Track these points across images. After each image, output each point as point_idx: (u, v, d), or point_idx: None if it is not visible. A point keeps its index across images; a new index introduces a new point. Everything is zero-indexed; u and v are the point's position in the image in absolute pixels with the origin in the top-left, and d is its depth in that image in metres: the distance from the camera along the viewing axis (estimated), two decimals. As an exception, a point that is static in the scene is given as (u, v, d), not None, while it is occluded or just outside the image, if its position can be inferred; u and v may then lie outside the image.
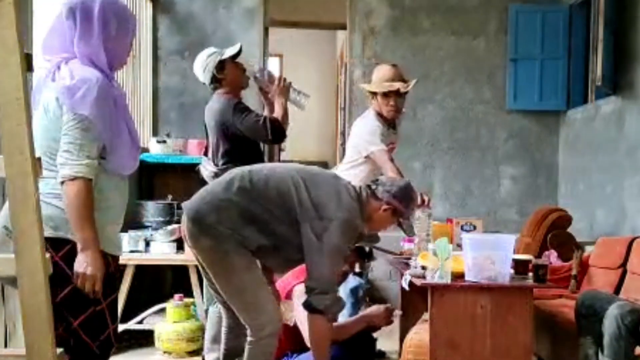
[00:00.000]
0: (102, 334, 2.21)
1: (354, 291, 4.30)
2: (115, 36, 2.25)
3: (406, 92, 4.07)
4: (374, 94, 4.06)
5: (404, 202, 2.88)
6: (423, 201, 3.65)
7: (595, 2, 5.33)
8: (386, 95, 3.99)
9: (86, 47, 2.19)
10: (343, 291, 4.38)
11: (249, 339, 2.72)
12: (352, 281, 4.35)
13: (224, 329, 2.99)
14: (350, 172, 3.98)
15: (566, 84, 6.06)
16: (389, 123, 4.14)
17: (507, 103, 6.18)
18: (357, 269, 4.33)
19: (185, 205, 2.80)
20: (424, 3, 6.16)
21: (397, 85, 3.98)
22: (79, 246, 2.13)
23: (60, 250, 2.13)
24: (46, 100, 2.17)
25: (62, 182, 2.11)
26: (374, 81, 4.13)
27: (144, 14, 5.80)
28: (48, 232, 2.06)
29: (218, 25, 6.00)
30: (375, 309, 3.54)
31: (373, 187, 2.90)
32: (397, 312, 3.68)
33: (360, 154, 4.05)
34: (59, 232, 2.14)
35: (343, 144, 6.91)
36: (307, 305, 2.76)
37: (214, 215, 2.68)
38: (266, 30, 6.17)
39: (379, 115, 4.09)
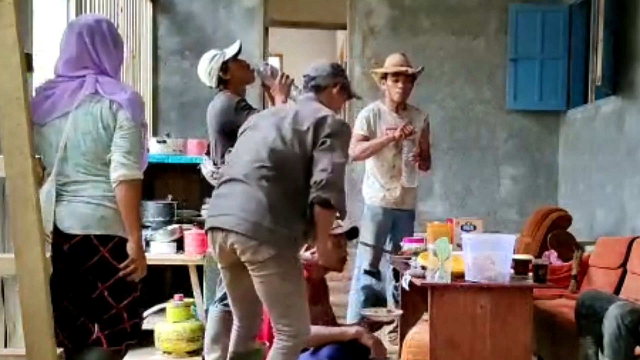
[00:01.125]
0: (136, 317, 2.50)
1: (364, 289, 4.31)
2: (120, 50, 2.53)
3: (414, 77, 4.43)
4: (385, 78, 4.42)
5: (342, 74, 3.00)
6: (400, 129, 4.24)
7: (595, 2, 5.33)
8: (395, 78, 4.35)
9: (112, 62, 2.44)
10: (354, 288, 4.39)
11: (280, 343, 2.63)
12: (363, 279, 4.35)
13: (235, 333, 2.88)
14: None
15: (566, 84, 6.06)
16: (394, 109, 4.41)
17: (507, 103, 6.17)
18: (368, 268, 4.33)
19: (227, 222, 2.57)
20: (424, 3, 6.16)
21: (406, 67, 4.36)
22: (131, 238, 2.38)
23: (107, 244, 2.35)
24: (96, 111, 2.33)
25: (120, 182, 2.32)
26: (385, 67, 4.49)
27: (144, 14, 5.79)
28: (100, 231, 2.34)
29: (218, 25, 6.00)
30: (371, 338, 3.20)
31: (312, 83, 2.90)
32: (397, 312, 3.67)
33: None
34: (109, 230, 2.36)
35: (343, 143, 6.91)
36: (323, 201, 2.55)
37: (269, 216, 2.52)
38: (266, 30, 6.17)
39: (383, 102, 4.45)
